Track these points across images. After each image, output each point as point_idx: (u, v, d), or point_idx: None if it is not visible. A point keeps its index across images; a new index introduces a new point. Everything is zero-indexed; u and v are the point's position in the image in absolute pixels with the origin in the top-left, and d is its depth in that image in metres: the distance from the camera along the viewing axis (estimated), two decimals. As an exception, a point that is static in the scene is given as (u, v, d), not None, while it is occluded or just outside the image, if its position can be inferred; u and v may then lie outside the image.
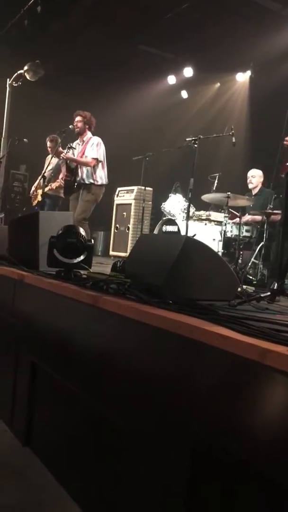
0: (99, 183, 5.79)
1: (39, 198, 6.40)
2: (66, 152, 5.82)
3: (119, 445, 1.91)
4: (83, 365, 2.17)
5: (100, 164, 5.78)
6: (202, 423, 1.47)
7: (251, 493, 1.32)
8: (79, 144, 5.94)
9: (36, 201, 6.65)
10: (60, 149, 5.85)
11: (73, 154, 5.92)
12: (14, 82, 7.68)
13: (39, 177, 6.27)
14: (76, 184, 5.84)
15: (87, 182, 5.78)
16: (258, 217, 5.62)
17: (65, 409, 2.39)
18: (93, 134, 5.91)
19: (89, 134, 5.90)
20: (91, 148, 5.79)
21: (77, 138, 5.99)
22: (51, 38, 8.55)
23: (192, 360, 1.55)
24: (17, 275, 2.92)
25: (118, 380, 1.91)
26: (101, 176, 5.81)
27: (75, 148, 5.90)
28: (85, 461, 2.14)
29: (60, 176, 6.26)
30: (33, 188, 6.77)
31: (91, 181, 5.76)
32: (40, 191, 6.36)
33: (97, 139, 5.82)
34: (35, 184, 6.68)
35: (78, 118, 5.88)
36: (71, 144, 5.91)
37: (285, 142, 3.84)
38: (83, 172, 5.79)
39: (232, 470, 1.37)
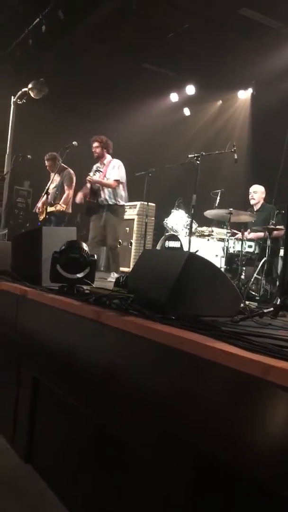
0: (121, 203, 6.01)
1: (45, 215, 6.42)
2: (93, 175, 6.01)
3: (121, 460, 1.89)
4: (86, 380, 2.16)
5: (121, 185, 5.98)
6: (204, 439, 1.46)
7: (253, 507, 1.30)
8: (100, 168, 6.11)
9: (42, 217, 6.65)
10: (89, 176, 6.01)
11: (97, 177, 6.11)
12: (18, 100, 7.78)
13: (43, 193, 6.29)
14: (99, 205, 6.01)
15: (110, 202, 5.95)
16: (261, 234, 5.63)
17: (67, 425, 2.37)
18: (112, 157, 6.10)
19: (108, 157, 6.10)
20: (113, 171, 5.98)
21: (96, 161, 6.18)
22: (55, 56, 8.68)
23: (194, 376, 1.55)
24: (20, 290, 2.92)
25: (120, 395, 1.90)
26: (122, 196, 6.01)
27: (101, 172, 6.06)
28: (87, 477, 2.12)
29: (79, 196, 6.30)
30: (39, 204, 6.76)
31: (114, 201, 5.95)
32: (49, 208, 6.41)
33: (117, 162, 6.03)
34: (42, 199, 6.67)
35: (95, 144, 6.08)
36: (98, 167, 6.09)
37: None
38: (105, 193, 5.96)
39: (233, 485, 1.35)
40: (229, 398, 1.41)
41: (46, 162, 6.88)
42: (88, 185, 6.07)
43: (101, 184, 5.99)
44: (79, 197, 6.19)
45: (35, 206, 7.10)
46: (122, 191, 6.02)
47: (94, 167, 6.11)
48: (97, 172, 6.05)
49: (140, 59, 9.03)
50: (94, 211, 6.05)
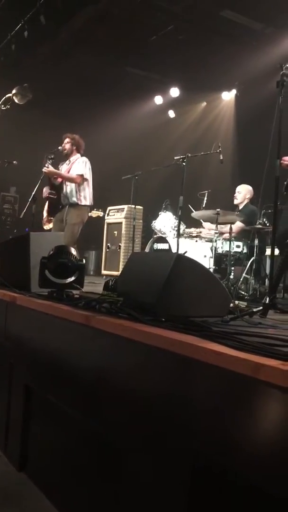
0: (83, 203, 5.65)
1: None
2: (47, 166, 5.61)
3: (117, 465, 1.89)
4: (78, 385, 2.15)
5: (85, 183, 5.66)
6: (198, 440, 1.46)
7: (246, 507, 1.31)
8: (66, 165, 5.88)
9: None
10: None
11: (59, 169, 5.81)
12: (2, 106, 7.73)
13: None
14: (60, 204, 5.70)
15: (71, 201, 5.63)
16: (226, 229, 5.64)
17: (61, 432, 2.36)
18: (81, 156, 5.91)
19: (77, 155, 5.86)
20: (77, 165, 5.70)
21: (65, 159, 5.97)
22: (38, 61, 8.66)
23: (186, 377, 1.55)
24: (9, 297, 2.91)
25: (113, 399, 1.89)
26: (85, 196, 5.66)
27: (53, 159, 5.68)
28: (83, 484, 2.11)
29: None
30: (45, 214, 6.49)
31: (75, 200, 5.62)
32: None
33: (84, 158, 5.76)
34: (46, 208, 6.48)
35: (66, 140, 5.84)
36: (51, 155, 5.71)
37: (282, 162, 3.74)
38: (67, 191, 5.66)
39: (228, 485, 1.35)
40: (221, 398, 1.41)
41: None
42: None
43: (61, 177, 5.64)
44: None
45: (22, 212, 6.98)
46: (86, 191, 5.65)
47: (48, 159, 5.66)
48: (50, 161, 5.62)
49: (123, 62, 9.05)
50: (57, 210, 5.70)
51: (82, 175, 5.62)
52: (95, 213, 6.47)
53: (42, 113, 9.43)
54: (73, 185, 5.65)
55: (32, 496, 2.38)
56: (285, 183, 3.74)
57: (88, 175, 5.71)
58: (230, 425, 1.36)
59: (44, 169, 5.63)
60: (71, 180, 5.64)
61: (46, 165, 5.62)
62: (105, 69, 8.99)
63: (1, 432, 2.86)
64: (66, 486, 2.24)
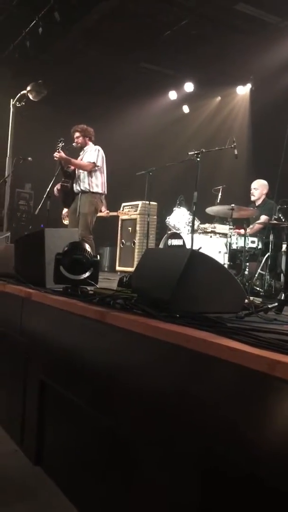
0: (95, 190, 5.58)
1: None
2: (58, 151, 5.50)
3: (130, 461, 1.89)
4: (92, 381, 2.16)
5: (97, 171, 5.61)
6: (212, 437, 1.46)
7: (264, 505, 1.30)
8: (81, 155, 5.86)
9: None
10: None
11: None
12: (17, 103, 7.79)
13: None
14: (73, 193, 5.65)
15: (82, 188, 5.58)
16: (259, 226, 5.64)
17: (76, 427, 2.38)
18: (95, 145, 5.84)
19: (91, 144, 5.81)
20: (89, 153, 5.67)
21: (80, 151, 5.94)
22: (53, 58, 8.68)
23: (200, 374, 1.55)
24: (24, 293, 2.93)
25: (127, 395, 1.90)
26: (98, 184, 5.60)
27: (63, 142, 5.61)
28: (97, 479, 2.12)
29: (57, 187, 6.01)
30: (65, 210, 6.50)
31: (87, 187, 5.56)
32: None
33: (96, 146, 5.71)
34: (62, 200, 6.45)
35: (76, 134, 5.80)
36: (62, 139, 5.63)
37: None
38: (79, 179, 5.61)
39: (242, 482, 1.35)
40: (235, 394, 1.40)
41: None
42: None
43: (72, 164, 5.59)
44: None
45: (37, 209, 7.02)
46: (98, 179, 5.59)
47: (60, 145, 5.54)
48: (61, 143, 5.53)
49: (137, 58, 9.03)
50: (70, 198, 5.64)
51: (93, 163, 5.58)
52: (104, 211, 6.39)
53: (57, 110, 9.46)
54: (85, 172, 5.61)
55: (47, 489, 2.40)
56: None
57: (100, 162, 5.65)
58: (245, 422, 1.35)
59: (56, 154, 5.54)
60: (82, 167, 5.60)
61: (58, 149, 5.52)
62: (119, 65, 8.98)
63: (17, 426, 2.88)
64: (80, 480, 2.26)
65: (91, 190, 5.60)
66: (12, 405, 3.05)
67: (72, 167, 5.71)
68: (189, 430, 1.55)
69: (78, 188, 5.65)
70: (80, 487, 2.25)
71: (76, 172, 5.69)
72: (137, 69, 9.29)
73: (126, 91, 9.42)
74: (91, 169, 5.58)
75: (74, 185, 5.69)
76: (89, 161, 5.60)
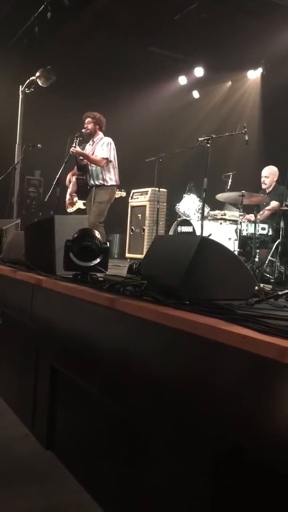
0: (109, 183, 5.68)
1: (81, 205, 6.11)
2: (75, 146, 5.60)
3: (141, 447, 1.91)
4: (102, 368, 2.18)
5: (110, 165, 5.67)
6: (222, 424, 1.47)
7: (273, 491, 1.31)
8: (90, 145, 5.87)
9: (75, 208, 6.40)
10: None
11: (84, 150, 5.82)
12: (26, 89, 7.76)
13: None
14: (88, 185, 5.73)
15: (97, 183, 5.67)
16: (268, 212, 5.62)
17: (86, 413, 2.40)
18: (105, 135, 5.89)
19: (100, 134, 5.83)
20: (101, 148, 5.68)
21: (89, 140, 5.96)
22: (61, 43, 8.62)
23: (210, 361, 1.55)
24: (35, 279, 2.94)
25: (137, 382, 1.91)
26: (111, 177, 5.69)
27: (80, 137, 5.69)
28: (108, 465, 2.15)
29: (68, 178, 6.00)
30: (68, 196, 6.55)
31: (101, 181, 5.66)
32: (77, 199, 6.26)
33: (108, 139, 5.74)
34: (69, 191, 6.53)
35: (88, 120, 5.81)
36: (78, 134, 5.70)
37: None
38: (92, 173, 5.69)
39: (253, 468, 1.36)
40: (246, 381, 1.41)
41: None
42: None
43: (87, 158, 5.65)
44: (68, 178, 5.87)
45: (46, 195, 7.02)
46: (111, 173, 5.67)
47: (76, 139, 5.64)
48: (77, 139, 5.61)
49: (146, 42, 8.92)
50: (86, 191, 5.73)
51: (107, 158, 5.62)
52: (118, 194, 6.44)
53: (66, 96, 9.41)
54: (98, 167, 5.66)
55: (59, 474, 2.44)
56: None
57: (113, 156, 5.70)
58: (255, 408, 1.36)
59: (72, 150, 5.61)
60: (96, 162, 5.64)
61: (74, 144, 5.61)
62: (129, 49, 8.89)
63: (29, 412, 2.92)
64: (91, 465, 2.29)
65: (105, 184, 5.68)
66: (23, 391, 3.09)
67: (85, 160, 5.73)
68: (199, 417, 1.56)
69: (92, 182, 5.72)
70: (91, 471, 2.28)
71: (89, 165, 5.74)
72: (146, 54, 9.18)
73: (135, 76, 9.33)
74: (104, 165, 5.63)
75: (88, 178, 5.75)
76: (102, 156, 5.64)
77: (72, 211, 6.28)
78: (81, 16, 7.92)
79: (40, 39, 8.26)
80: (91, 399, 2.28)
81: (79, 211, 6.20)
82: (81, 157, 5.73)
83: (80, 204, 6.21)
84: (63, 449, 2.59)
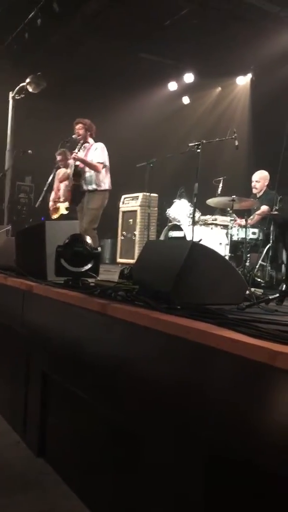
0: (102, 188, 5.71)
1: (64, 211, 6.27)
2: (77, 151, 5.69)
3: (133, 453, 1.90)
4: (94, 373, 2.17)
5: (104, 170, 5.72)
6: (214, 428, 1.47)
7: (265, 494, 1.31)
8: (82, 151, 5.91)
9: (58, 214, 6.49)
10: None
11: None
12: (17, 95, 7.76)
13: (46, 188, 6.24)
14: (82, 190, 5.77)
15: (90, 188, 5.69)
16: (259, 216, 5.64)
17: (78, 419, 2.39)
18: (95, 141, 5.92)
19: (91, 140, 5.87)
20: (96, 153, 5.72)
21: (75, 146, 5.98)
22: (52, 49, 8.63)
23: (202, 365, 1.55)
24: (26, 285, 2.93)
25: (129, 387, 1.91)
26: (105, 181, 5.73)
27: (68, 142, 5.84)
28: (100, 470, 2.14)
29: (57, 185, 6.15)
30: (51, 203, 6.61)
31: (95, 187, 5.69)
32: (61, 205, 6.31)
33: (101, 144, 5.78)
34: (52, 197, 6.59)
35: (79, 126, 5.83)
36: (67, 140, 5.85)
37: None
38: (86, 178, 5.72)
39: (245, 471, 1.36)
40: (237, 385, 1.41)
41: (57, 157, 6.59)
42: (68, 168, 5.80)
43: (86, 164, 5.68)
44: (56, 186, 6.00)
45: (37, 201, 7.04)
46: (104, 177, 5.71)
47: (80, 144, 5.78)
48: (67, 144, 5.78)
49: (137, 48, 8.95)
50: (79, 196, 5.77)
51: (103, 163, 5.68)
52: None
53: (56, 102, 9.42)
54: (92, 172, 5.69)
55: (50, 481, 2.42)
56: None
57: (107, 161, 5.76)
58: (246, 412, 1.36)
59: (74, 155, 5.71)
60: (93, 167, 5.67)
61: (76, 150, 5.71)
62: (119, 55, 8.91)
63: (20, 418, 2.90)
64: (84, 471, 2.27)
65: (98, 189, 5.70)
66: (14, 397, 3.07)
67: (81, 165, 5.76)
68: (191, 421, 1.56)
69: (86, 187, 5.75)
70: (83, 478, 2.26)
71: (83, 171, 5.77)
72: (136, 59, 9.22)
73: (126, 82, 9.36)
74: (101, 170, 5.68)
75: (82, 184, 5.78)
76: (98, 161, 5.68)
77: (56, 217, 6.34)
78: (72, 23, 7.94)
79: (30, 46, 8.26)
80: (83, 405, 2.27)
81: (62, 217, 6.27)
82: (77, 163, 5.76)
83: (63, 210, 6.29)
84: (54, 456, 2.57)
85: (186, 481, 1.56)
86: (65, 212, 6.22)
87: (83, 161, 5.70)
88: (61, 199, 6.40)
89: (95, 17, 7.77)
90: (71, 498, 2.24)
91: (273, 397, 1.29)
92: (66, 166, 6.34)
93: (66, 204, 6.24)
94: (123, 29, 8.14)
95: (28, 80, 7.57)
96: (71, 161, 5.92)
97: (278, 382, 1.27)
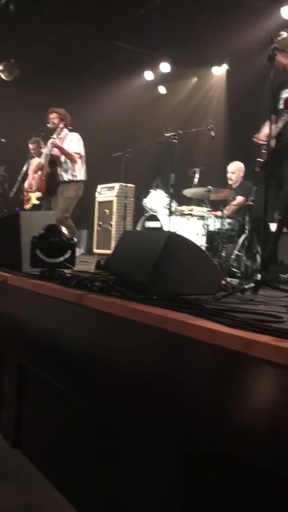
0: (78, 178, 5.72)
1: (35, 201, 6.24)
2: (56, 137, 5.64)
3: (111, 444, 1.91)
4: (71, 364, 2.16)
5: (80, 161, 5.71)
6: (192, 418, 1.48)
7: (243, 484, 1.33)
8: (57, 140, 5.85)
9: (30, 204, 6.44)
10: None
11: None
12: (-11, 83, 7.59)
13: (27, 180, 6.19)
14: (58, 180, 5.75)
15: (65, 179, 5.69)
16: (235, 207, 5.70)
17: (55, 410, 2.38)
18: (70, 131, 5.85)
19: (65, 130, 5.82)
20: (72, 143, 5.69)
21: (49, 136, 5.92)
22: (25, 37, 8.46)
23: (179, 355, 1.56)
24: (0, 277, 2.89)
25: (106, 378, 1.90)
26: (81, 172, 5.73)
27: (43, 132, 5.85)
28: (79, 462, 2.14)
29: (32, 176, 6.09)
30: (24, 193, 6.56)
31: (70, 177, 5.69)
32: (33, 195, 6.25)
33: (76, 135, 5.76)
34: (26, 186, 6.53)
35: (53, 115, 5.80)
36: (41, 129, 5.85)
37: (254, 139, 3.95)
38: (62, 168, 5.71)
39: (222, 461, 1.37)
40: (213, 375, 1.42)
41: (30, 145, 6.56)
42: (42, 158, 5.79)
43: (63, 153, 5.66)
44: (31, 177, 5.92)
45: (11, 191, 6.94)
46: (80, 167, 5.73)
47: (59, 129, 5.74)
48: (42, 133, 5.82)
49: (112, 37, 8.86)
50: (55, 185, 5.76)
51: (79, 153, 5.68)
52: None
53: (30, 90, 9.25)
54: (68, 162, 5.65)
55: (27, 472, 2.41)
56: (257, 160, 3.81)
57: (83, 152, 5.76)
58: (223, 402, 1.37)
59: (52, 141, 5.65)
60: (70, 157, 5.65)
61: (55, 136, 5.67)
62: (93, 44, 8.81)
63: (-4, 410, 2.88)
64: (62, 463, 2.27)
65: (73, 179, 5.70)
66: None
67: (58, 153, 5.72)
68: (169, 412, 1.57)
69: (61, 178, 5.73)
70: (60, 469, 2.26)
71: (61, 161, 5.74)
72: (111, 48, 9.12)
73: (101, 71, 9.26)
74: (77, 160, 5.67)
75: (58, 173, 5.75)
76: (75, 151, 5.66)
77: (29, 207, 6.29)
78: (45, 10, 7.79)
79: (2, 32, 8.08)
80: (60, 397, 2.26)
81: (35, 207, 6.23)
82: (54, 151, 5.70)
83: (34, 200, 6.24)
84: (31, 448, 2.56)
85: (164, 471, 1.57)
86: (37, 202, 6.18)
87: (60, 148, 5.65)
88: (33, 189, 6.34)
89: (69, 4, 7.65)
90: (50, 490, 2.24)
91: (248, 386, 1.31)
92: (39, 155, 6.28)
93: (38, 194, 6.19)
94: (98, 17, 8.03)
95: (0, 67, 7.42)
96: (44, 150, 5.87)
97: (254, 371, 1.29)
